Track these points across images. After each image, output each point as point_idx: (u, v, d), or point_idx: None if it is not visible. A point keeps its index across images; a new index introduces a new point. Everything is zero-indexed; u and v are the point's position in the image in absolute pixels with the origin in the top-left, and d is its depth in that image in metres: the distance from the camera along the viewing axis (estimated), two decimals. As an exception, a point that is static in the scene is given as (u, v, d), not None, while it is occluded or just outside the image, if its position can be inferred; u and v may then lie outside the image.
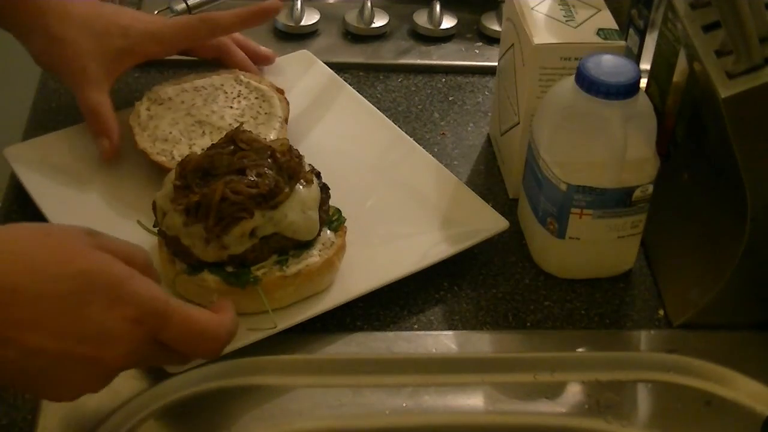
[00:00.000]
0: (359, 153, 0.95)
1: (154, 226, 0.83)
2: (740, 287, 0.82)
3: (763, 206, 0.78)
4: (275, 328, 0.80)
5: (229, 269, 0.80)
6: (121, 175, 0.93)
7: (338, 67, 1.07)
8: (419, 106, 1.07)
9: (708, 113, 0.82)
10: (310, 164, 0.85)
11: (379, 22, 1.15)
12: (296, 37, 1.13)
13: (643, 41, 1.02)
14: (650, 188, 0.84)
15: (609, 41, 0.88)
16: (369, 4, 1.15)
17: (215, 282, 0.79)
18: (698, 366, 0.82)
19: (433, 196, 0.93)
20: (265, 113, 0.96)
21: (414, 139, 0.98)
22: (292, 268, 0.81)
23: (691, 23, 0.81)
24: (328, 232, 0.84)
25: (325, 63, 1.06)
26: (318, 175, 0.84)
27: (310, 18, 1.14)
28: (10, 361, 0.61)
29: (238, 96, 0.97)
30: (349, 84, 1.05)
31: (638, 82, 0.81)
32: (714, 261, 0.83)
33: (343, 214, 0.86)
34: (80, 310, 0.62)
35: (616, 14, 0.92)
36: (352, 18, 1.15)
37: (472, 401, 0.81)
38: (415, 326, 0.84)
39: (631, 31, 1.04)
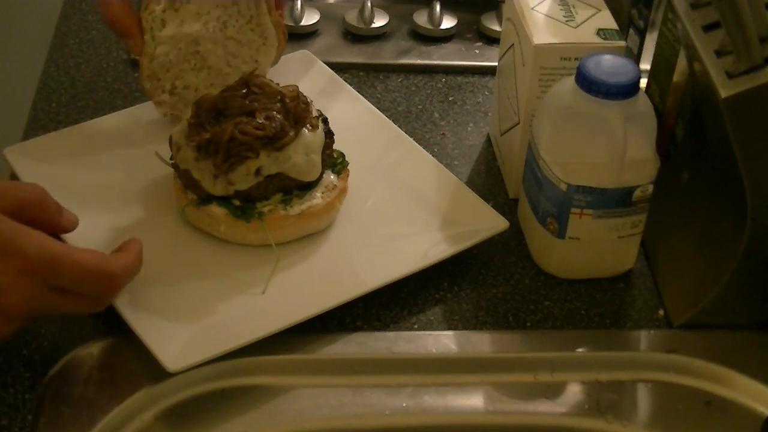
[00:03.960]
0: (359, 153, 0.95)
1: (171, 159, 0.88)
2: (740, 287, 0.82)
3: (763, 206, 0.78)
4: (278, 261, 0.85)
5: (236, 203, 0.86)
6: (120, 176, 0.93)
7: (338, 67, 1.07)
8: (419, 106, 1.07)
9: (708, 113, 0.82)
10: (318, 110, 0.90)
11: (379, 22, 1.15)
12: (296, 37, 1.13)
13: (643, 41, 1.02)
14: (650, 188, 0.84)
15: (609, 41, 0.88)
16: (369, 4, 1.15)
17: (222, 213, 0.86)
18: (698, 366, 0.82)
19: (433, 196, 0.93)
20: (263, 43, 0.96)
21: (414, 139, 0.98)
22: (296, 208, 0.86)
23: (691, 23, 0.81)
24: (332, 175, 0.90)
25: (325, 63, 1.06)
26: (325, 120, 0.90)
27: (310, 18, 1.14)
28: None
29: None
30: (349, 84, 1.04)
31: (638, 82, 0.81)
32: (714, 261, 0.83)
33: (346, 158, 0.91)
34: None
35: (616, 14, 0.92)
36: (352, 18, 1.15)
37: (472, 401, 0.81)
38: (415, 326, 0.84)
39: (631, 31, 1.04)
